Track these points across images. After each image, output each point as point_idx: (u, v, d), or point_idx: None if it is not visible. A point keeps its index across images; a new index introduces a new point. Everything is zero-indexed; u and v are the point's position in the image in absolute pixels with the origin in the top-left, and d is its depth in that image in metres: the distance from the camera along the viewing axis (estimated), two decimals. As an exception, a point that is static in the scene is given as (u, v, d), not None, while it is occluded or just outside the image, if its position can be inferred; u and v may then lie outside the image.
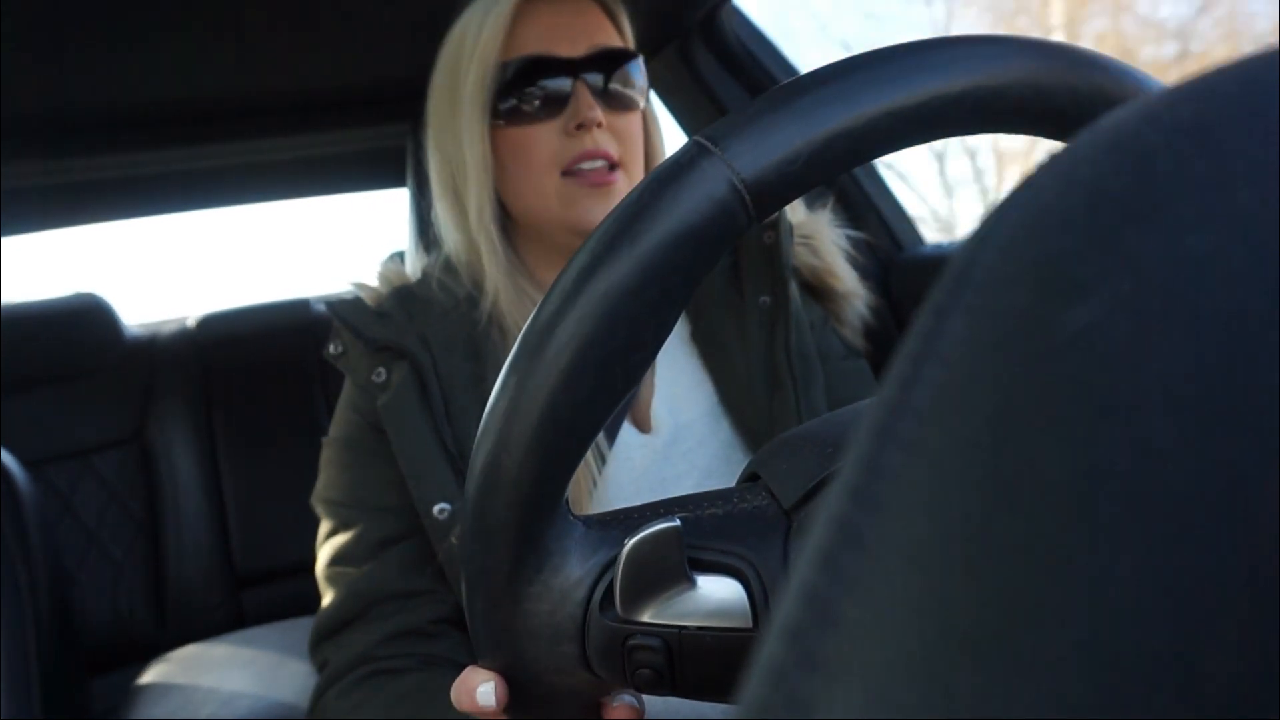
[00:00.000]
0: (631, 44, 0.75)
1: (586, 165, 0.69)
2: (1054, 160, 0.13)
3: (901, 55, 0.28)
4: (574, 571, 0.31)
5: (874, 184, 1.20)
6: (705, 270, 0.28)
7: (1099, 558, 0.09)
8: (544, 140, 0.69)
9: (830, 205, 0.84)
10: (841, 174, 0.29)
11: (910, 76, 0.28)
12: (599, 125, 0.68)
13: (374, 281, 0.78)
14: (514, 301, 0.71)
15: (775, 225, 0.73)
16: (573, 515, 0.32)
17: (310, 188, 1.59)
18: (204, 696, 1.06)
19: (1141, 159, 0.12)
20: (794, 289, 0.74)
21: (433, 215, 0.76)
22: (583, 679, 0.33)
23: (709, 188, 0.27)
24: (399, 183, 1.00)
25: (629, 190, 0.73)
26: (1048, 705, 0.09)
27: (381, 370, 0.69)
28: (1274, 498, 0.09)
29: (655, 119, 0.78)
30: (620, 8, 0.74)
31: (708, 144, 0.27)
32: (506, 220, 0.75)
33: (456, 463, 0.66)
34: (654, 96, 0.80)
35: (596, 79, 0.70)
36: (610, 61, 0.70)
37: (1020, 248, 0.12)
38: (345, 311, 0.72)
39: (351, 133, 1.36)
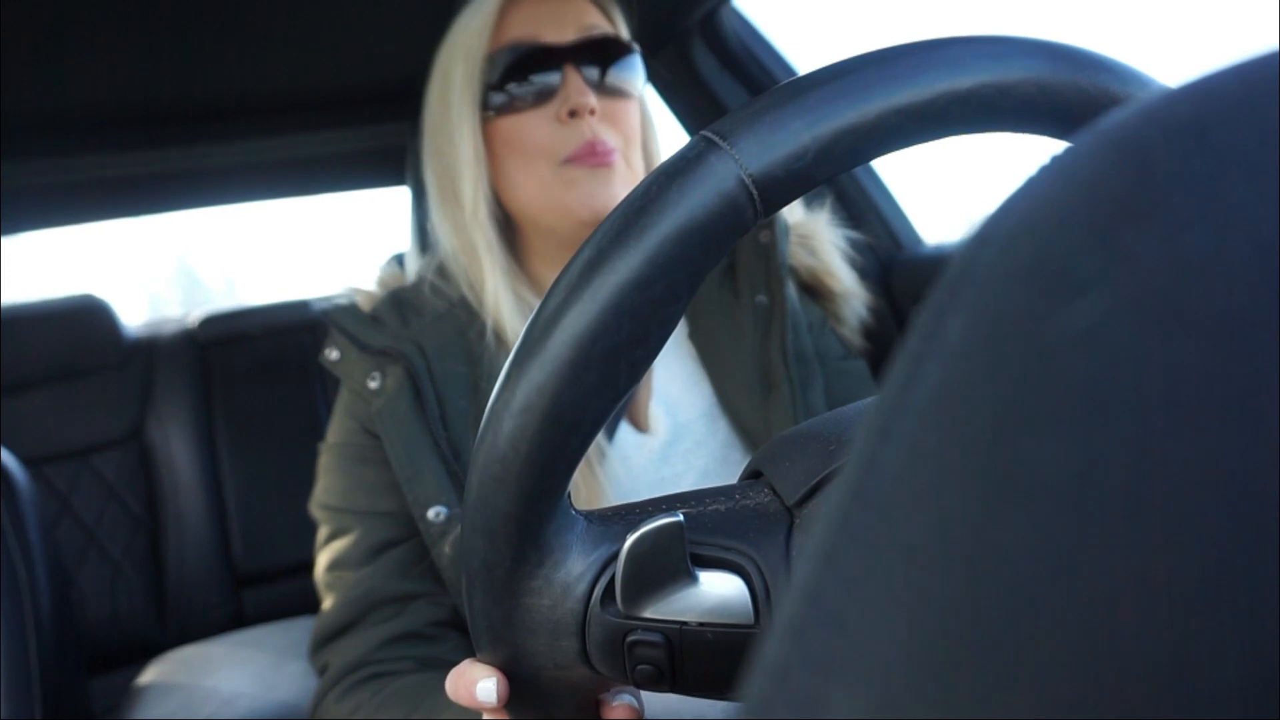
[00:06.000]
0: (624, 31, 0.74)
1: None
2: (1054, 159, 0.13)
3: (910, 52, 0.28)
4: (575, 566, 0.31)
5: (873, 183, 1.20)
6: (711, 265, 0.28)
7: (1098, 557, 0.09)
8: (537, 128, 0.68)
9: (829, 205, 0.84)
10: (848, 170, 0.28)
11: (918, 74, 0.28)
12: (591, 112, 0.67)
13: (371, 286, 0.77)
14: (509, 303, 0.71)
15: (771, 225, 0.73)
16: (574, 510, 0.32)
17: (311, 186, 1.59)
18: (204, 696, 1.06)
19: (1141, 158, 0.12)
20: (791, 289, 0.74)
21: (429, 217, 0.76)
22: (583, 675, 0.33)
23: (716, 182, 0.27)
24: (400, 181, 1.00)
25: (628, 175, 0.72)
26: (1047, 705, 0.09)
27: (376, 375, 0.68)
28: (1273, 498, 0.09)
29: (649, 112, 0.77)
30: None
31: (715, 138, 0.27)
32: (503, 219, 0.75)
33: (451, 466, 0.65)
34: (653, 94, 0.79)
35: (587, 65, 0.69)
36: (600, 48, 0.69)
37: (1020, 246, 0.12)
38: (340, 317, 0.72)
39: (352, 131, 1.36)
